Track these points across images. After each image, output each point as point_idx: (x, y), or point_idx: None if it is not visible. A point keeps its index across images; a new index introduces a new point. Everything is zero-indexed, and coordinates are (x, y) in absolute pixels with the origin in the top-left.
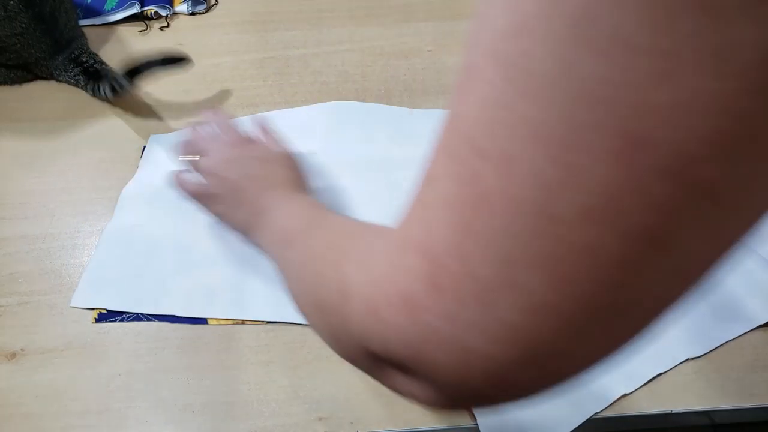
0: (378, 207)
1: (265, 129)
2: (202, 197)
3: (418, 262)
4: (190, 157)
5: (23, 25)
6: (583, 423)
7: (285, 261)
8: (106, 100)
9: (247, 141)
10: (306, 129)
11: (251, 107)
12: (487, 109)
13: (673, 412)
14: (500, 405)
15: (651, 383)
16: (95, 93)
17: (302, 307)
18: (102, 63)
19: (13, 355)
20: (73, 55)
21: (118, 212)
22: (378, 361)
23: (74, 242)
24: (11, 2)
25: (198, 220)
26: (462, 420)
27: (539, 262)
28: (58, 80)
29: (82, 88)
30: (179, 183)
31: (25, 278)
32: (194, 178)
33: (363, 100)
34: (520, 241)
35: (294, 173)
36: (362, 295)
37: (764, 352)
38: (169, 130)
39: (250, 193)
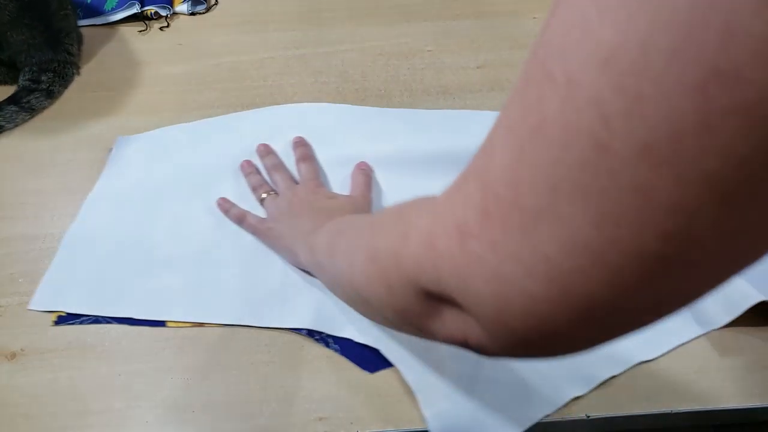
0: None
1: (360, 168)
2: (261, 233)
3: (473, 189)
4: (263, 194)
5: (12, 15)
6: (575, 422)
7: (337, 241)
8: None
9: (318, 186)
10: (274, 130)
11: (251, 107)
12: (564, 31)
13: (673, 412)
14: (546, 355)
15: (650, 383)
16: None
17: (352, 272)
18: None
19: (13, 355)
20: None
21: (81, 215)
22: (428, 300)
23: None
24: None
25: (160, 224)
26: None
27: (586, 196)
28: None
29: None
30: (243, 221)
31: (25, 278)
32: (254, 219)
33: (363, 100)
34: (571, 172)
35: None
36: (422, 230)
37: (764, 352)
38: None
39: (307, 226)
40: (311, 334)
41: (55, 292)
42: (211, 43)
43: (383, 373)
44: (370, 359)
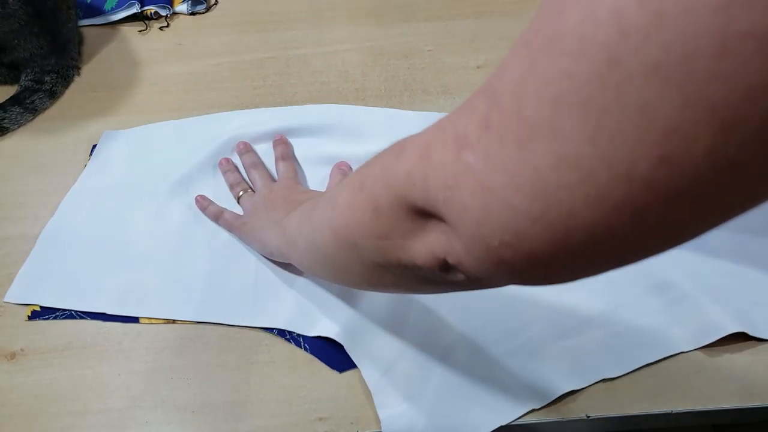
0: None
1: (339, 166)
2: (235, 228)
3: (479, 103)
4: (240, 191)
5: (21, 22)
6: (575, 422)
7: (313, 207)
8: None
9: (292, 184)
10: (257, 129)
11: (251, 107)
12: None
13: (673, 412)
14: (519, 279)
15: (651, 383)
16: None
17: (332, 217)
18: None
19: (13, 355)
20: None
21: (60, 209)
22: (414, 217)
23: None
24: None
25: (138, 221)
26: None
27: (588, 110)
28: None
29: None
30: (219, 217)
31: None
32: (231, 216)
33: (363, 100)
34: (578, 85)
35: None
36: (419, 144)
37: (764, 352)
38: None
39: (280, 215)
40: (282, 333)
41: (31, 285)
42: (211, 43)
43: None
44: (338, 359)
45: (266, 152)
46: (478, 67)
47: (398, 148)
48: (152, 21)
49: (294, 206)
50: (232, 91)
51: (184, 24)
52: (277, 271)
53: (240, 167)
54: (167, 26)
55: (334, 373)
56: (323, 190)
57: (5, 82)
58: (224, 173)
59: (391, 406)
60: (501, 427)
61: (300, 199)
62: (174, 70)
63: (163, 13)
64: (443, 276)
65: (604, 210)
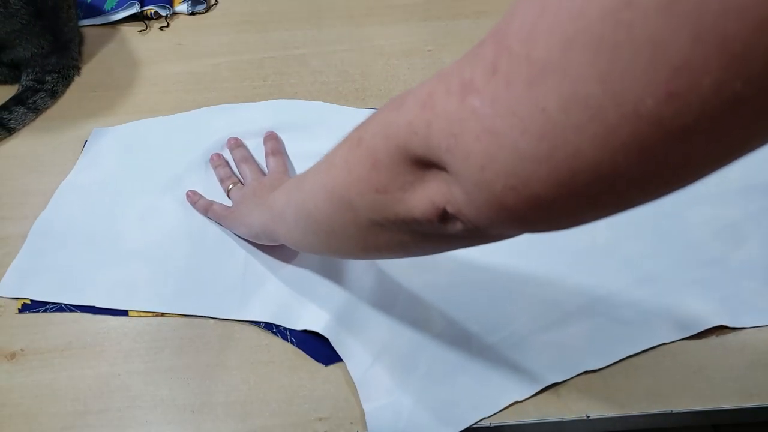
0: None
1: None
2: (224, 218)
3: (487, 49)
4: (230, 185)
5: (23, 21)
6: (575, 422)
7: (301, 178)
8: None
9: (282, 176)
10: (246, 125)
11: None
12: None
13: (673, 412)
14: (522, 227)
15: (651, 383)
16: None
17: (326, 179)
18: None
19: (13, 355)
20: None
21: (51, 204)
22: (414, 168)
23: None
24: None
25: (128, 216)
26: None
27: (599, 49)
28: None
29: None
30: (208, 210)
31: None
32: (220, 207)
33: (363, 100)
34: (589, 24)
35: None
36: (421, 93)
37: (764, 352)
38: None
39: (268, 194)
40: (269, 327)
41: (21, 279)
42: (211, 43)
43: None
44: (324, 353)
45: (256, 148)
46: None
47: (398, 101)
48: (152, 21)
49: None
50: (232, 91)
51: (184, 24)
52: (265, 266)
53: (231, 162)
54: (167, 26)
55: (334, 373)
56: None
57: (5, 82)
58: (215, 168)
59: (375, 400)
60: (501, 426)
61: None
62: (174, 70)
63: (163, 13)
64: (442, 228)
65: (611, 149)
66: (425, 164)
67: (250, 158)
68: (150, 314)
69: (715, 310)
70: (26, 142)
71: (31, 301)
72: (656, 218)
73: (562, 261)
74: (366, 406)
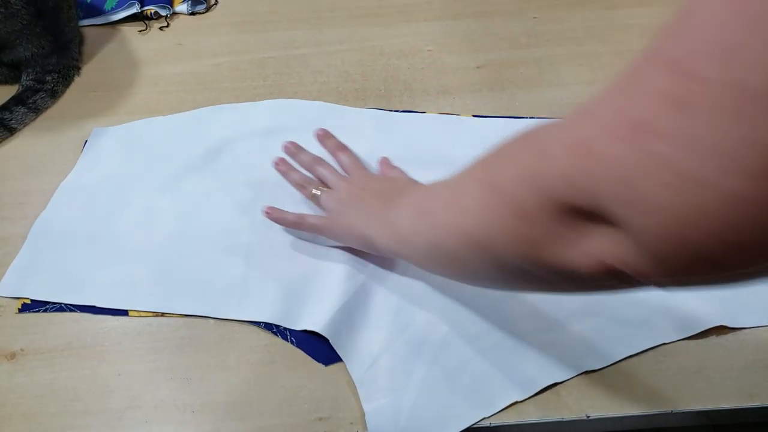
0: (305, 202)
1: (386, 163)
2: (327, 229)
3: (657, 78)
4: (315, 190)
5: (24, 22)
6: (575, 422)
7: (428, 204)
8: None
9: (365, 171)
10: (246, 125)
11: None
12: None
13: (673, 412)
14: (715, 279)
15: (651, 383)
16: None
17: (463, 222)
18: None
19: (13, 355)
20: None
21: (51, 204)
22: (571, 221)
23: None
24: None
25: (128, 216)
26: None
27: None
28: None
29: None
30: (302, 223)
31: None
32: (314, 218)
33: (363, 100)
34: None
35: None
36: (569, 140)
37: (764, 352)
38: None
39: (376, 207)
40: (269, 327)
41: (21, 279)
42: (211, 43)
43: None
44: (324, 353)
45: (257, 148)
46: (478, 67)
47: (533, 144)
48: (152, 21)
49: (390, 197)
50: (232, 91)
51: (184, 24)
52: (265, 266)
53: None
54: (167, 26)
55: (334, 373)
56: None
57: (5, 82)
58: (285, 174)
59: (375, 400)
60: (501, 426)
61: (389, 187)
62: (174, 70)
63: (163, 13)
64: (604, 280)
65: None
66: (585, 217)
67: (321, 159)
68: (150, 314)
69: (715, 311)
70: (26, 142)
71: (31, 300)
72: None
73: None
74: (366, 406)
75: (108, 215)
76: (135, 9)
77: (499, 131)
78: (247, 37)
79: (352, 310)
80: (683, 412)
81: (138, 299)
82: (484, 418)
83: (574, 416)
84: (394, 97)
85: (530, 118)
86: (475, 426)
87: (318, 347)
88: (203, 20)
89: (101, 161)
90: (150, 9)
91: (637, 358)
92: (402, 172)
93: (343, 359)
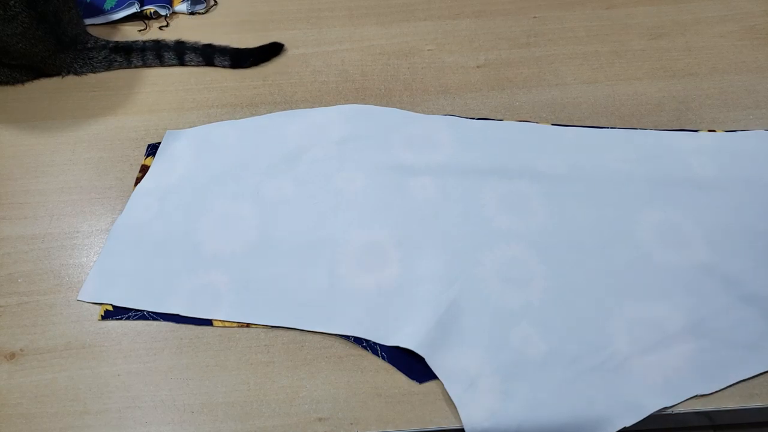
0: (386, 213)
1: None
2: None
3: None
4: None
5: (24, 25)
6: None
7: None
8: (157, 65)
9: None
10: (320, 132)
11: (251, 107)
12: None
13: (674, 412)
14: None
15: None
16: (145, 62)
17: None
18: (115, 42)
19: (13, 356)
20: (88, 45)
21: (128, 208)
22: None
23: (74, 242)
24: (12, 2)
25: (206, 221)
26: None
27: None
28: (78, 74)
29: (120, 67)
30: None
31: (25, 278)
32: None
33: (363, 100)
34: None
35: None
36: None
37: None
38: (169, 128)
39: None
40: (358, 341)
41: (103, 284)
42: (211, 42)
43: (383, 374)
44: (417, 369)
45: (329, 155)
46: (478, 67)
47: None
48: (152, 20)
49: None
50: (232, 90)
51: (183, 24)
52: (351, 277)
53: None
54: (167, 26)
55: (334, 373)
56: (397, 204)
57: (7, 82)
58: None
59: (478, 423)
60: None
61: None
62: (173, 69)
63: (162, 12)
64: None
65: None
66: None
67: None
68: (235, 324)
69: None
70: (26, 142)
71: (114, 307)
72: (754, 236)
73: (659, 278)
74: (468, 428)
75: (186, 221)
76: (135, 8)
77: (579, 140)
78: (247, 37)
79: (445, 327)
80: (683, 413)
81: (222, 309)
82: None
83: None
84: (394, 96)
85: (611, 128)
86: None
87: (411, 364)
88: (203, 20)
89: (176, 164)
90: (149, 9)
91: None
92: None
93: (440, 378)
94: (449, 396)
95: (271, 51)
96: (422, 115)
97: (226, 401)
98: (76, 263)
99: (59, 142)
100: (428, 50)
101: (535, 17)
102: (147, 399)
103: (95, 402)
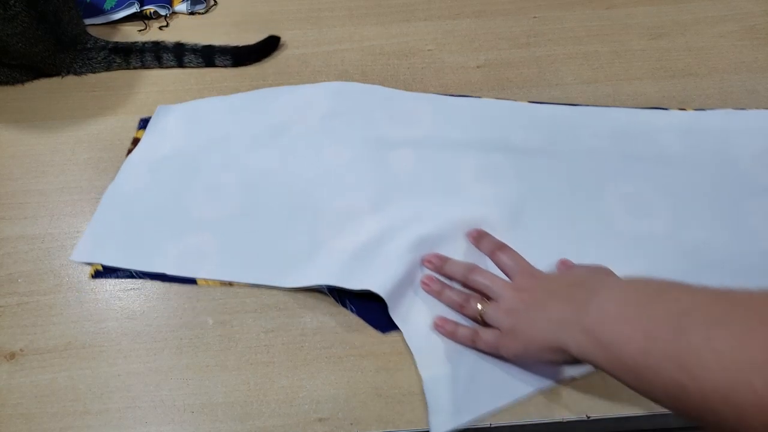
0: (366, 182)
1: (566, 263)
2: (503, 346)
3: None
4: (479, 305)
5: (24, 25)
6: (575, 422)
7: (677, 322)
8: (156, 66)
9: (536, 272)
10: (306, 106)
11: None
12: None
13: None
14: None
15: None
16: (144, 64)
17: (726, 358)
18: (115, 43)
19: (13, 355)
20: (88, 46)
21: (120, 176)
22: None
23: (74, 242)
24: (12, 2)
25: (194, 189)
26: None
27: None
28: (78, 74)
29: (119, 68)
30: (476, 341)
31: (25, 278)
32: (489, 334)
33: None
34: None
35: (611, 275)
36: None
37: None
38: None
39: (558, 311)
40: (332, 294)
41: (95, 246)
42: (210, 42)
43: (383, 375)
44: (383, 322)
45: (314, 130)
46: (478, 67)
47: None
48: (152, 21)
49: (575, 298)
50: (232, 90)
51: (183, 24)
52: (328, 238)
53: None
54: (167, 26)
55: (334, 373)
56: (376, 175)
57: (7, 82)
58: (438, 294)
59: (432, 368)
60: (501, 427)
61: (575, 286)
62: (173, 70)
63: (162, 12)
64: None
65: None
66: None
67: (475, 267)
68: (218, 283)
69: None
70: (26, 142)
71: (103, 267)
72: (716, 209)
73: (619, 246)
74: (423, 374)
75: (176, 188)
76: (134, 8)
77: (554, 117)
78: (247, 37)
79: (411, 281)
80: None
81: (206, 268)
82: (489, 423)
83: (574, 416)
84: None
85: (585, 106)
86: (475, 426)
87: (377, 316)
88: (203, 20)
89: (167, 137)
90: (149, 9)
91: None
92: (584, 265)
93: (400, 327)
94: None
95: (270, 45)
96: (405, 92)
97: (226, 401)
98: (76, 263)
99: (59, 142)
100: (428, 50)
101: (535, 17)
102: (147, 399)
103: (95, 402)
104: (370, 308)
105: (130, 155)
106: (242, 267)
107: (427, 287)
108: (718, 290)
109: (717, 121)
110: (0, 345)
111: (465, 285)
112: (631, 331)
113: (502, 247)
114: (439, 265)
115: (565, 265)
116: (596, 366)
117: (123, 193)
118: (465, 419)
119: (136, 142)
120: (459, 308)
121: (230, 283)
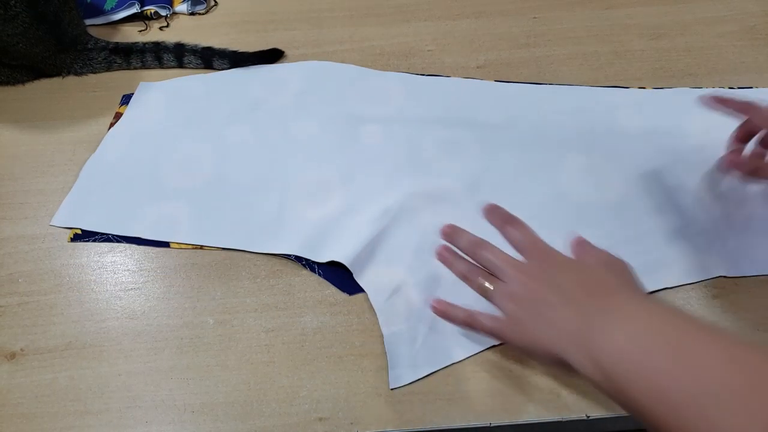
0: (335, 156)
1: (581, 242)
2: (504, 334)
3: None
4: (486, 283)
5: (24, 25)
6: (575, 422)
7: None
8: (156, 67)
9: (548, 252)
10: (281, 84)
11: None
12: None
13: None
14: None
15: None
16: (145, 64)
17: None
18: (116, 43)
19: (13, 355)
20: (89, 46)
21: (101, 147)
22: None
23: (74, 242)
24: (12, 2)
25: (172, 160)
26: (460, 419)
27: None
28: (78, 74)
29: (120, 68)
30: (474, 323)
31: (25, 278)
32: (488, 318)
33: None
34: None
35: (627, 278)
36: None
37: None
38: None
39: (564, 318)
40: (299, 260)
41: (74, 211)
42: (211, 43)
43: (383, 374)
44: (348, 284)
45: (287, 106)
46: (478, 67)
47: None
48: (152, 21)
49: (589, 304)
50: None
51: (183, 24)
52: (298, 207)
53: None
54: (167, 26)
55: (334, 373)
56: (346, 148)
57: (7, 83)
58: (450, 264)
59: (393, 325)
60: (501, 426)
61: (591, 287)
62: (173, 70)
63: (163, 13)
64: None
65: None
66: None
67: (483, 242)
68: (190, 246)
69: (717, 262)
70: (26, 142)
71: (82, 231)
72: (661, 179)
73: (575, 213)
74: (384, 330)
75: (154, 159)
76: (135, 9)
77: (520, 94)
78: (247, 37)
79: (375, 247)
80: None
81: (180, 233)
82: (489, 423)
83: (574, 416)
84: None
85: (552, 84)
86: (475, 426)
87: (344, 280)
88: (203, 20)
89: (148, 112)
90: (150, 9)
91: None
92: (601, 251)
93: (364, 289)
94: (447, 394)
95: (271, 56)
96: (377, 71)
97: (226, 401)
98: (76, 263)
99: (59, 142)
100: (428, 50)
101: (535, 17)
102: (147, 399)
103: (96, 402)
104: (337, 273)
105: (111, 128)
106: (214, 232)
107: (440, 256)
108: (738, 349)
109: (673, 97)
110: (0, 345)
111: (473, 259)
112: (639, 378)
113: (512, 220)
114: (451, 233)
115: (579, 245)
116: (593, 383)
117: (104, 162)
118: (422, 373)
119: (118, 116)
120: (465, 280)
121: (201, 247)
